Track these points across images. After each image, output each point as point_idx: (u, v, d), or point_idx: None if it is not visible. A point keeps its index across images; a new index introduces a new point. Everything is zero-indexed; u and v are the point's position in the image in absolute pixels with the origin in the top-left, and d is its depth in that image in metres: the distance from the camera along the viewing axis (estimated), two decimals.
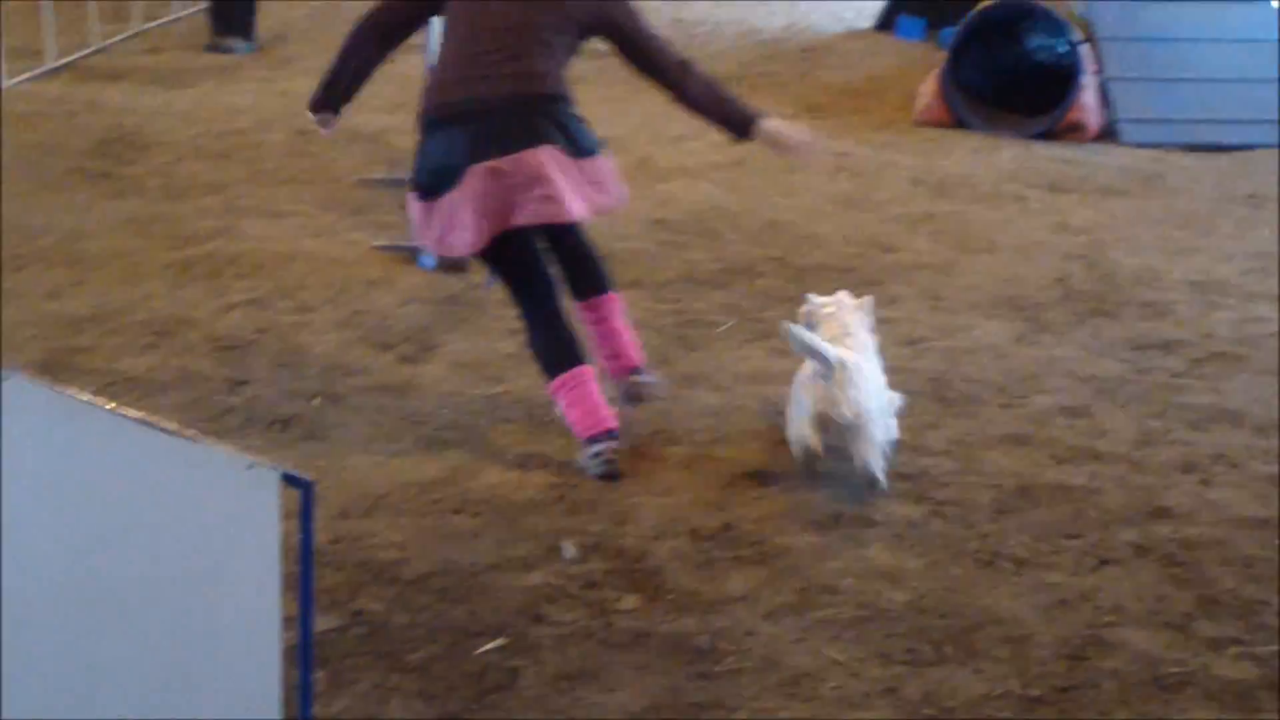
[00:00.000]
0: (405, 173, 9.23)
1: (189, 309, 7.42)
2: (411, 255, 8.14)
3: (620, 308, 6.37)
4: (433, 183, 5.96)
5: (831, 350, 5.70)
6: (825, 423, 5.65)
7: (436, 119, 6.03)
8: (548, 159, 5.87)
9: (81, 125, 10.58)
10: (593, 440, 5.83)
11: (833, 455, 5.69)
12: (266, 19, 13.51)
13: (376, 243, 8.38)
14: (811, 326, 6.09)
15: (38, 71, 11.93)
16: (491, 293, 7.63)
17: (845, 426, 5.63)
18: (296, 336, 7.14)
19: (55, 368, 6.73)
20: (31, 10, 12.27)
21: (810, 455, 5.72)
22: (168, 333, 7.14)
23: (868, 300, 6.35)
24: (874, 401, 5.73)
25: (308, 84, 11.42)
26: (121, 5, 13.70)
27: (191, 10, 14.03)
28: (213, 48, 13.10)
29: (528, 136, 5.89)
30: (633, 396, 6.29)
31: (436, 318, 7.45)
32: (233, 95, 11.64)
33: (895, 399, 6.09)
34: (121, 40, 13.19)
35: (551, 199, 5.86)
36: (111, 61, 12.62)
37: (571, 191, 5.91)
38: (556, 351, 5.99)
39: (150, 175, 9.59)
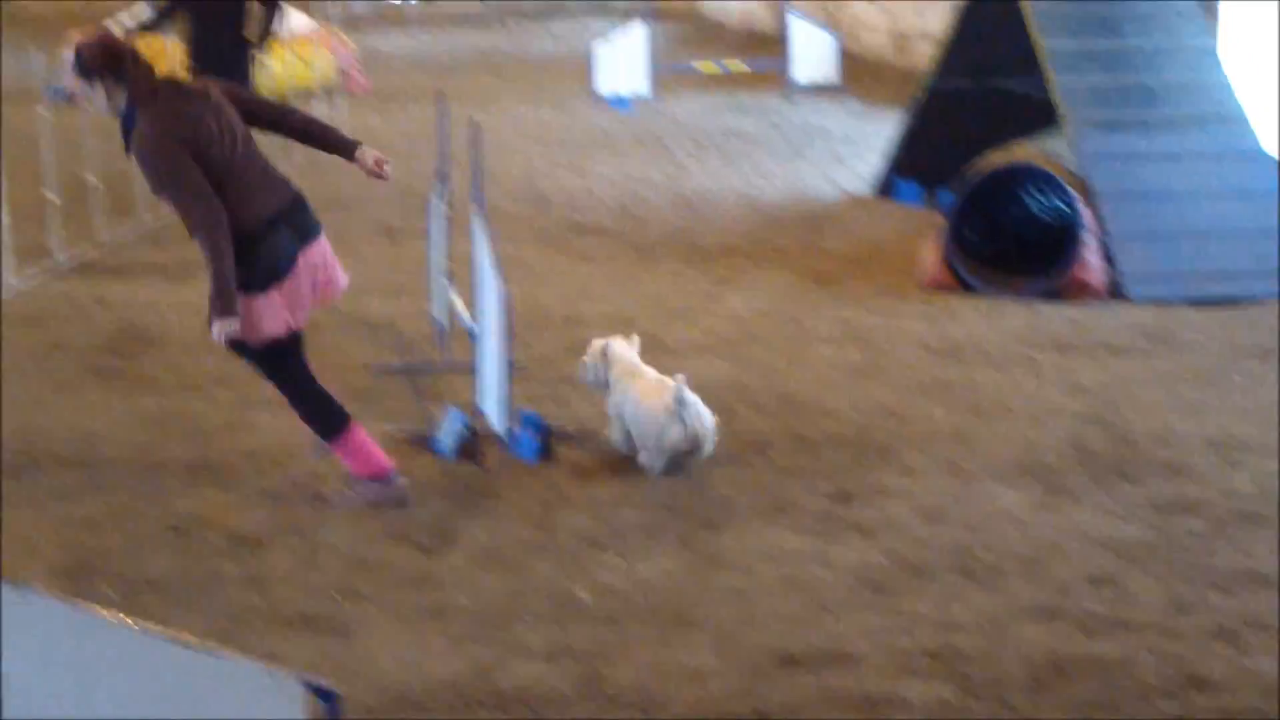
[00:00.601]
0: (417, 359, 9.36)
1: (207, 506, 7.41)
2: (426, 442, 8.14)
3: None
4: (271, 276, 7.16)
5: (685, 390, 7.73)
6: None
7: (258, 228, 7.17)
8: (327, 244, 7.47)
9: (91, 323, 10.60)
10: (378, 478, 7.43)
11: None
12: None
13: (391, 431, 8.37)
14: (607, 364, 8.11)
15: (46, 271, 11.98)
16: (507, 479, 7.64)
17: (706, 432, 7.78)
18: (315, 531, 7.12)
19: (75, 572, 6.73)
20: (38, 210, 12.35)
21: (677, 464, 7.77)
22: (187, 532, 7.12)
23: (635, 339, 8.35)
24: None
25: None
26: (127, 202, 13.76)
27: None
28: None
29: (316, 226, 7.43)
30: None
31: (454, 506, 7.43)
32: None
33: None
34: (127, 236, 13.25)
35: (336, 278, 7.54)
36: (119, 258, 12.66)
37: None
38: (334, 411, 7.51)
39: (162, 370, 9.59)
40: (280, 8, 13.06)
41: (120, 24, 15.63)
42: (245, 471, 7.88)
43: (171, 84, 7.34)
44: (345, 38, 21.47)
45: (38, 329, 10.43)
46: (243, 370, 9.32)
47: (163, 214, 13.90)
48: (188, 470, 7.90)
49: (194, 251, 12.48)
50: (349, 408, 8.62)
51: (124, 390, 9.22)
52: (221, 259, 7.04)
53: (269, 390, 9.02)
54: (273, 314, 7.21)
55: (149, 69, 7.29)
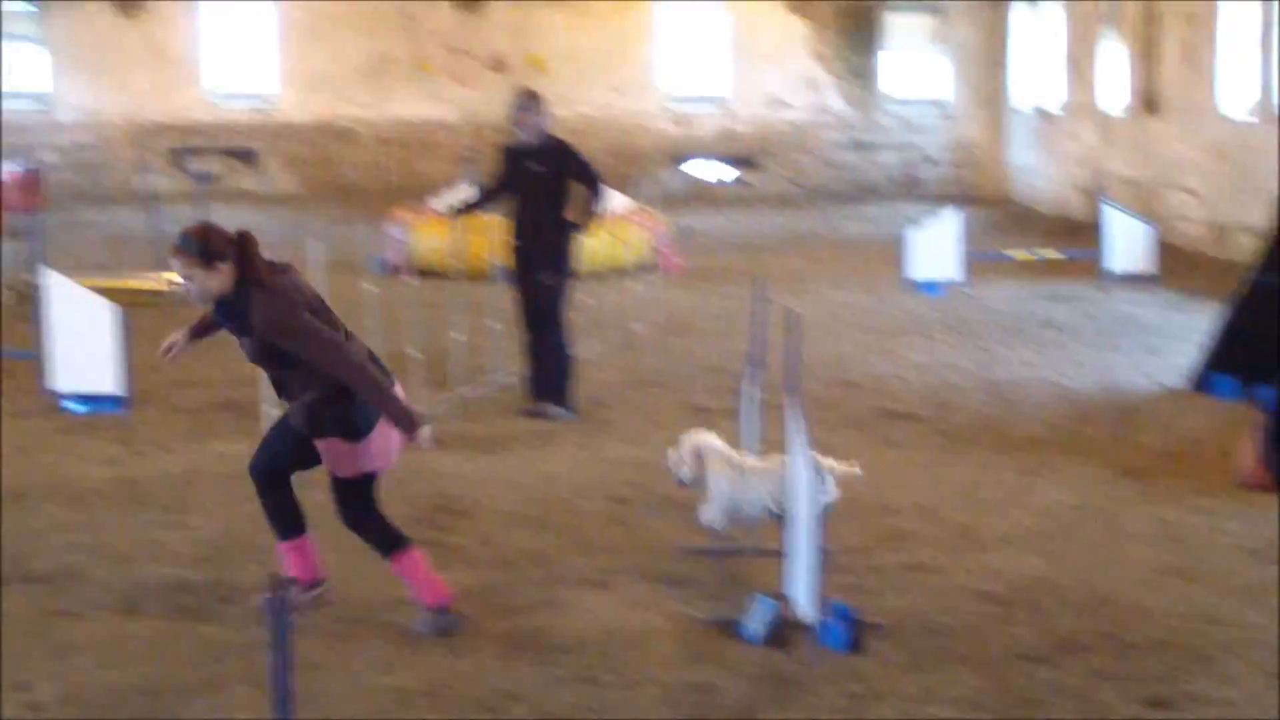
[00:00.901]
0: (726, 542, 9.37)
1: (518, 684, 7.50)
2: (733, 628, 8.15)
3: None
4: (372, 422, 8.04)
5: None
6: None
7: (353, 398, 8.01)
8: None
9: (407, 493, 10.81)
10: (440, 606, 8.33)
11: None
12: (586, 385, 13.79)
13: (699, 614, 8.40)
14: (701, 463, 8.89)
15: None
16: (815, 670, 7.60)
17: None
18: (623, 714, 7.16)
19: None
20: None
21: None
22: (498, 709, 7.21)
23: (714, 434, 9.16)
24: None
25: (626, 450, 11.78)
26: (443, 374, 14.12)
27: (510, 378, 14.38)
28: (530, 413, 13.40)
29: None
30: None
31: (761, 694, 7.41)
32: (551, 462, 11.86)
33: None
34: (443, 407, 13.55)
35: None
36: (435, 429, 12.93)
37: None
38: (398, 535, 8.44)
39: (475, 544, 9.76)
40: (602, 189, 13.34)
41: (445, 202, 16.16)
42: (555, 650, 7.95)
43: (270, 264, 8.06)
44: (660, 216, 21.84)
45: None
46: (555, 548, 9.48)
47: (480, 385, 14.23)
48: (500, 646, 8.01)
49: (507, 424, 12.85)
50: (656, 589, 8.71)
51: (438, 562, 9.34)
52: (381, 385, 7.97)
53: (579, 567, 9.17)
54: (373, 453, 8.17)
55: (258, 251, 8.02)
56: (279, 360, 8.08)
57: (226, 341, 16.08)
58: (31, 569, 9.24)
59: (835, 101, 36.05)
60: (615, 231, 20.44)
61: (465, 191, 16.93)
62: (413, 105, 35.68)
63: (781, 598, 8.16)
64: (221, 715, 7.17)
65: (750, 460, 9.12)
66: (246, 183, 35.32)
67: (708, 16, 35.92)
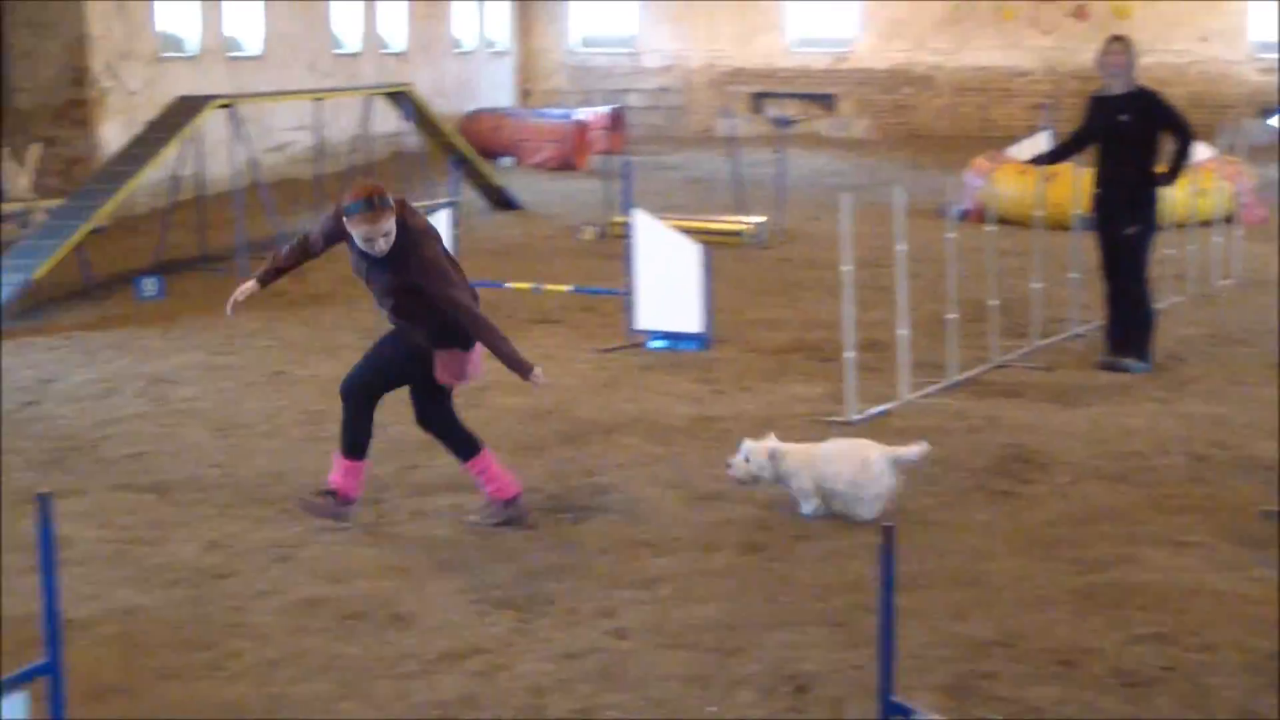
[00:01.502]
0: None
1: (1093, 639, 7.41)
2: None
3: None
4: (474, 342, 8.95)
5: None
6: None
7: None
8: None
9: (981, 441, 10.79)
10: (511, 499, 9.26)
11: None
12: (1164, 338, 13.48)
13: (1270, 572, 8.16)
14: (776, 462, 9.26)
15: (939, 386, 12.31)
16: None
17: None
18: (1203, 678, 6.99)
19: (961, 692, 6.89)
20: (938, 326, 12.71)
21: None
22: (1072, 663, 7.15)
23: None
24: None
25: (1206, 408, 11.50)
26: (1022, 324, 14.01)
27: (1089, 327, 14.15)
28: (1107, 366, 13.15)
29: None
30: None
31: None
32: (1128, 416, 11.63)
33: None
34: (1019, 356, 13.44)
35: None
36: (1009, 377, 12.84)
37: None
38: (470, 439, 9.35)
39: (1050, 496, 9.66)
40: (1192, 141, 12.99)
41: (1025, 150, 16.03)
42: (1132, 607, 7.81)
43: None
44: (1246, 168, 21.14)
45: (930, 444, 10.68)
46: (1133, 504, 9.30)
47: (1058, 335, 14.07)
48: (1075, 600, 7.92)
49: (1083, 376, 12.65)
50: (1238, 551, 8.51)
51: (1013, 512, 9.34)
52: (496, 328, 8.81)
53: (1157, 525, 8.99)
54: (475, 362, 9.04)
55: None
56: (410, 293, 8.77)
57: (802, 284, 16.39)
58: (610, 501, 9.58)
59: None
60: (1199, 182, 19.87)
61: (1044, 140, 16.71)
62: (990, 53, 35.37)
63: None
64: (797, 653, 7.31)
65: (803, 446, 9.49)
66: (821, 128, 35.68)
67: None
